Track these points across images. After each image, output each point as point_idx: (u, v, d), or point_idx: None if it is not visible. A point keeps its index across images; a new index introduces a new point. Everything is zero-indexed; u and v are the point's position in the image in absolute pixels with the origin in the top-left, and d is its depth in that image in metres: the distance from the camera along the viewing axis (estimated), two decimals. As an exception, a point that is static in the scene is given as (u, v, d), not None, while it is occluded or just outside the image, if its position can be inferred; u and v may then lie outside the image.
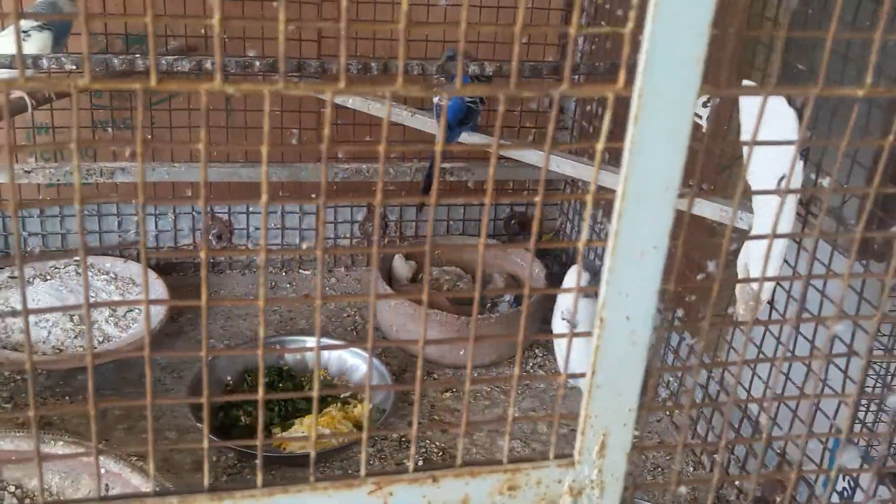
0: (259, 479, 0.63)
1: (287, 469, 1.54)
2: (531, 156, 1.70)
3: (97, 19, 1.82)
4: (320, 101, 2.01)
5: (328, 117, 0.56)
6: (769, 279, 1.30)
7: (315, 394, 0.65)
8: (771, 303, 1.34)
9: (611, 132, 0.59)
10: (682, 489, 1.61)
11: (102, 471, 1.28)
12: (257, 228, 2.14)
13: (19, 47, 0.50)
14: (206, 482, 0.63)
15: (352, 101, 1.91)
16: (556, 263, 2.27)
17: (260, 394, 0.62)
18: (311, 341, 1.80)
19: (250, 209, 2.13)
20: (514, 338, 0.68)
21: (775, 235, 0.73)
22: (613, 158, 1.86)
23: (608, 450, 0.69)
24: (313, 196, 2.00)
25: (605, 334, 0.65)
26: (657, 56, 0.58)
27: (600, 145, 0.60)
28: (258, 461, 0.63)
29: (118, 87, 0.53)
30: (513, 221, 2.25)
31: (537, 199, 0.61)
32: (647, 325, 0.65)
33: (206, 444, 0.62)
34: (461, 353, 1.80)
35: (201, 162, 0.54)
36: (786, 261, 1.29)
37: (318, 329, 0.61)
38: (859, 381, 0.77)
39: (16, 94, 1.68)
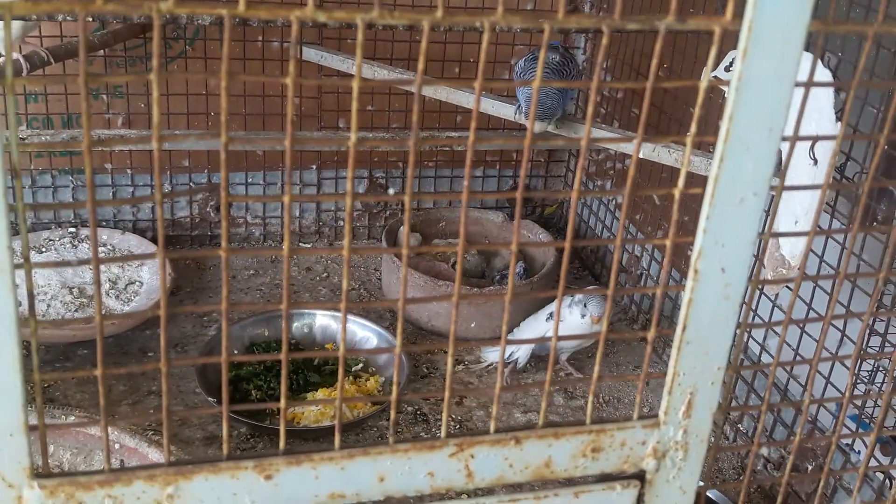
0: (337, 441, 0.59)
1: (302, 444, 1.51)
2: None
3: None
4: (322, 69, 1.96)
5: (423, 49, 0.52)
6: (792, 233, 1.28)
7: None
8: (801, 269, 1.32)
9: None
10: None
11: (117, 446, 1.24)
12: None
13: None
14: (282, 445, 0.59)
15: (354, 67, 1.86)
16: (560, 235, 2.24)
17: (341, 349, 0.58)
18: (318, 314, 1.76)
19: (249, 180, 2.08)
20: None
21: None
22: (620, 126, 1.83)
23: (694, 409, 0.66)
24: (314, 166, 1.93)
25: (699, 287, 0.61)
26: (769, -14, 0.54)
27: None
28: (336, 423, 0.59)
29: (204, 12, 0.48)
30: (516, 193, 2.21)
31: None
32: (742, 278, 0.62)
33: (283, 404, 0.58)
34: (472, 325, 1.77)
35: (289, 99, 0.50)
36: (820, 227, 1.27)
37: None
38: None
39: (13, 55, 1.62)
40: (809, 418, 1.31)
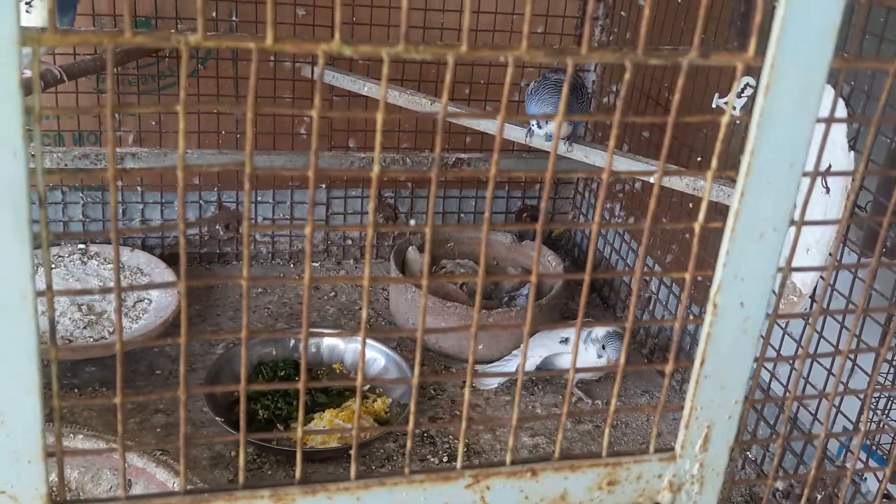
0: (353, 470, 0.59)
1: (308, 465, 1.50)
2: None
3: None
4: (333, 89, 1.96)
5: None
6: (801, 268, 1.28)
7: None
8: (813, 297, 1.31)
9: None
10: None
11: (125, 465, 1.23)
12: (265, 218, 2.09)
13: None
14: (298, 474, 0.59)
15: (367, 89, 1.87)
16: (568, 257, 2.24)
17: (359, 378, 0.58)
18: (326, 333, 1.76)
19: (259, 198, 2.08)
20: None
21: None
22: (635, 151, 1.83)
23: (711, 443, 0.66)
24: (323, 186, 1.93)
25: (718, 321, 0.61)
26: (792, 24, 0.54)
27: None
28: (353, 452, 0.59)
29: (231, 45, 0.49)
30: (525, 215, 2.22)
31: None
32: (761, 312, 0.62)
33: (300, 433, 0.58)
34: (479, 347, 1.77)
35: (314, 131, 0.50)
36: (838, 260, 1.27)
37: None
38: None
39: (26, 73, 1.62)
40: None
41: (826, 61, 0.56)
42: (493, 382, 1.73)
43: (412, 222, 2.15)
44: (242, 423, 0.59)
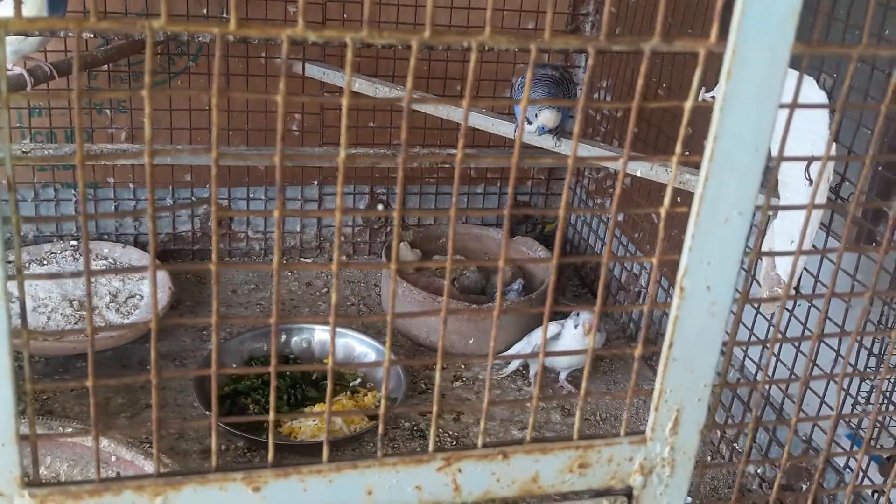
0: (325, 453, 0.60)
1: (298, 458, 1.51)
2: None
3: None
4: (324, 85, 1.97)
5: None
6: (781, 253, 1.29)
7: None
8: (797, 289, 1.32)
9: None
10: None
11: (114, 458, 1.24)
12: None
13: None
14: (270, 457, 0.59)
15: (358, 85, 1.88)
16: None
17: (330, 363, 0.58)
18: (317, 329, 1.76)
19: (250, 195, 2.09)
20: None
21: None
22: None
23: (681, 427, 0.66)
24: (315, 182, 1.94)
25: (685, 304, 0.62)
26: (753, 8, 0.55)
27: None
28: (325, 436, 0.60)
29: (196, 30, 0.50)
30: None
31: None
32: (728, 295, 0.62)
33: (272, 417, 0.59)
34: (470, 341, 1.77)
35: (279, 116, 0.51)
36: (814, 246, 1.28)
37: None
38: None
39: (15, 70, 1.63)
40: (804, 437, 1.31)
41: (787, 46, 0.56)
42: (509, 368, 1.75)
43: (380, 207, 2.16)
44: (214, 408, 0.60)
